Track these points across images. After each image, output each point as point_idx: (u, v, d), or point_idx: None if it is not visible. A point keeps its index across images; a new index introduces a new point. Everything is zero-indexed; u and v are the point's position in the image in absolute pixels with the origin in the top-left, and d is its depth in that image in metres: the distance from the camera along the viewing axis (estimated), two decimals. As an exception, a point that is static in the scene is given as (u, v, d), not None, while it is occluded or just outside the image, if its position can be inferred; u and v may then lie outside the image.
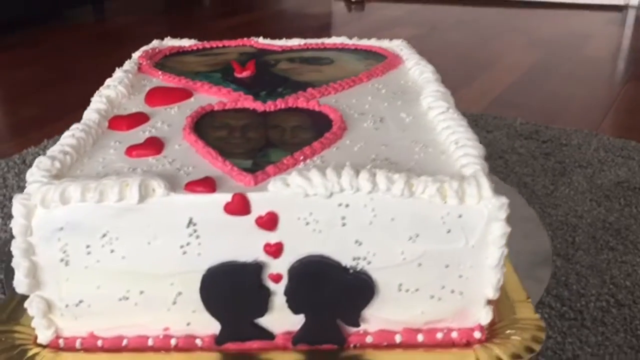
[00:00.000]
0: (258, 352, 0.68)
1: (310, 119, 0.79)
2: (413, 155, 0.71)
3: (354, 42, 1.17)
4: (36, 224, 0.63)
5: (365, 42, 1.17)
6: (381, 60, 1.04)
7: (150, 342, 0.69)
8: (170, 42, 1.17)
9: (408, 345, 0.69)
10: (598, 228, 1.23)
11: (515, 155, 1.50)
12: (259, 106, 0.82)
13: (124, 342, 0.69)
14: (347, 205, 0.63)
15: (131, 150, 0.71)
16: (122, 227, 0.63)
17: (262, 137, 0.75)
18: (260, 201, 0.63)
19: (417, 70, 0.96)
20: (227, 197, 0.62)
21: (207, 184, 0.63)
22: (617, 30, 2.66)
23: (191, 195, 0.63)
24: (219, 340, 0.69)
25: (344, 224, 0.64)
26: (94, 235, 0.64)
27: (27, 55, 2.33)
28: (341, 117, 0.78)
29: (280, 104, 0.82)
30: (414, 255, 0.65)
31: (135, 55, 1.06)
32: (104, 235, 0.64)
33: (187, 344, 0.69)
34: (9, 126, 1.74)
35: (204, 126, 0.77)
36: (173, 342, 0.69)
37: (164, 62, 1.06)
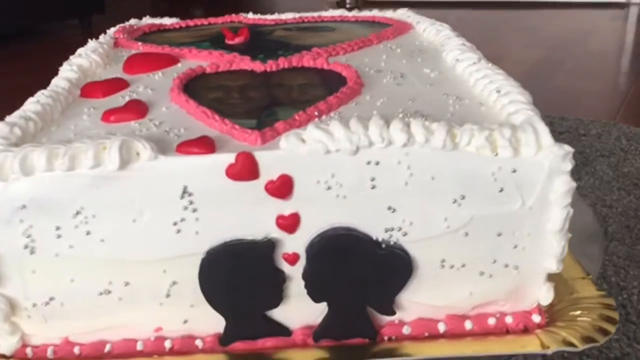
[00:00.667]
0: (272, 351, 0.56)
1: (319, 77, 0.68)
2: (447, 108, 0.59)
3: (354, 14, 1.06)
4: (-8, 202, 0.51)
5: (366, 14, 1.05)
6: (387, 27, 0.93)
7: (139, 347, 0.56)
8: (149, 21, 1.05)
9: (454, 335, 0.57)
10: (630, 217, 1.13)
11: None
12: (258, 67, 0.70)
13: (107, 347, 0.56)
14: (377, 163, 0.52)
15: (109, 114, 0.59)
16: (100, 201, 0.51)
17: (265, 96, 0.63)
18: (271, 162, 0.51)
19: (432, 30, 0.84)
20: (229, 158, 0.50)
21: (205, 144, 0.51)
22: (620, 26, 2.61)
23: (185, 157, 0.51)
24: (224, 339, 0.57)
25: (373, 187, 0.52)
26: (65, 214, 0.51)
27: (14, 67, 2.20)
28: (356, 72, 0.67)
29: (283, 63, 0.70)
30: (460, 222, 0.53)
31: (111, 31, 0.94)
32: (78, 213, 0.51)
33: (185, 346, 0.56)
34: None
35: (196, 89, 0.65)
36: (167, 344, 0.56)
37: (144, 37, 0.94)
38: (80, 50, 0.77)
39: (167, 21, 1.05)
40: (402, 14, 1.02)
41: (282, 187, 0.51)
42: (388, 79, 0.67)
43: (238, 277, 0.54)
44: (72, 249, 0.52)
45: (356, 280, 0.54)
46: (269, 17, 1.06)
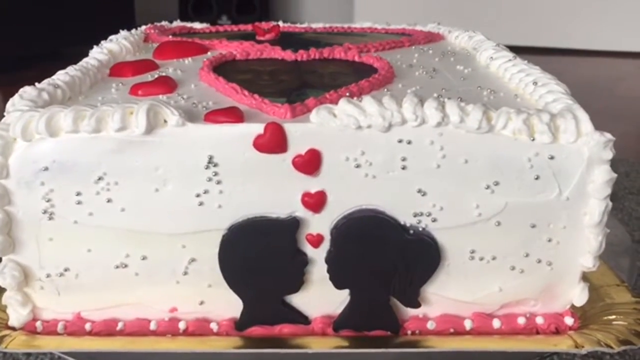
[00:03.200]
0: (289, 337, 0.53)
1: (351, 67, 0.67)
2: (482, 99, 0.57)
3: (384, 26, 1.06)
4: (14, 163, 0.50)
5: (396, 27, 1.05)
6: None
7: (152, 326, 0.54)
8: (180, 23, 1.05)
9: (480, 333, 0.54)
10: None
11: None
12: (289, 55, 0.69)
13: (119, 325, 0.54)
14: (409, 142, 0.50)
15: (137, 88, 0.58)
16: (123, 167, 0.50)
17: (296, 79, 0.62)
18: (300, 135, 0.49)
19: (465, 37, 0.83)
20: (258, 128, 0.49)
21: (233, 114, 0.50)
22: None
23: (212, 126, 0.49)
24: (240, 324, 0.54)
25: (404, 167, 0.50)
26: (87, 179, 0.50)
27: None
28: (388, 64, 0.66)
29: (314, 53, 0.69)
30: (492, 210, 0.51)
31: (142, 27, 0.94)
32: (100, 179, 0.50)
33: (200, 329, 0.54)
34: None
35: (226, 71, 0.64)
36: (182, 325, 0.54)
37: (174, 36, 0.94)
38: (111, 37, 0.77)
39: (198, 25, 1.06)
40: (433, 27, 1.01)
41: (310, 162, 0.50)
42: (420, 72, 0.66)
43: (259, 256, 0.52)
44: (92, 216, 0.51)
45: (381, 267, 0.52)
46: (299, 26, 1.06)
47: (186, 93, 0.57)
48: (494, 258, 0.53)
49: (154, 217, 0.51)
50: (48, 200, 0.50)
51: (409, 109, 0.49)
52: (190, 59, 0.71)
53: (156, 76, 0.62)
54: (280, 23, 1.07)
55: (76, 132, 0.49)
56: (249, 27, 1.06)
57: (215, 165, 0.50)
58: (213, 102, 0.54)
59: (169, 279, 0.53)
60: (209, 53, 0.74)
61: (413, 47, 0.80)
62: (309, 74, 0.63)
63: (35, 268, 0.53)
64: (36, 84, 0.56)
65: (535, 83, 0.58)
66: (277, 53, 0.69)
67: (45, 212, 0.51)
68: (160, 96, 0.57)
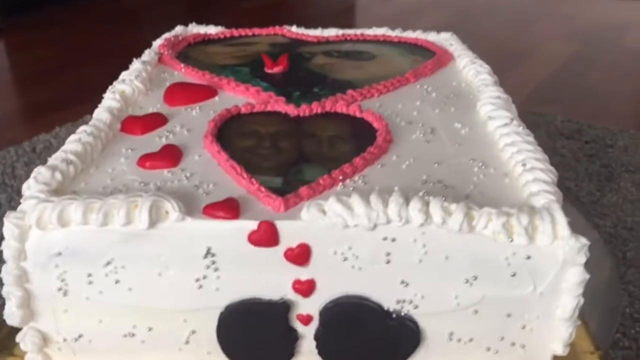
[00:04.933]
0: (282, 400, 0.59)
1: (350, 127, 0.69)
2: (471, 177, 0.60)
3: (397, 34, 1.06)
4: (31, 248, 0.54)
5: (409, 35, 1.05)
6: (428, 57, 0.93)
7: (159, 383, 0.60)
8: (194, 29, 1.07)
9: (458, 401, 0.59)
10: None
11: (557, 156, 1.39)
12: (291, 110, 0.71)
13: (130, 381, 0.60)
14: (393, 240, 0.53)
15: (144, 160, 0.62)
16: (129, 254, 0.54)
17: (295, 148, 0.65)
18: (291, 231, 0.53)
19: (471, 70, 0.84)
20: (252, 224, 0.53)
21: (229, 208, 0.54)
22: None
23: (210, 221, 0.53)
24: (237, 385, 0.60)
25: (388, 262, 0.54)
26: (97, 263, 0.55)
27: (40, 36, 2.23)
28: (386, 126, 0.68)
29: (316, 108, 0.72)
30: (470, 300, 0.55)
31: (156, 43, 0.96)
32: (108, 263, 0.55)
33: (201, 387, 0.60)
34: (20, 110, 1.64)
35: (229, 133, 0.67)
36: (185, 384, 0.60)
37: (187, 52, 0.96)
38: (124, 75, 0.80)
39: (212, 30, 1.07)
40: (445, 40, 1.01)
41: (301, 255, 0.54)
42: (417, 135, 0.68)
43: (253, 332, 0.57)
44: (102, 294, 0.56)
45: (366, 347, 0.57)
46: (311, 32, 1.06)
47: (189, 167, 0.61)
48: (471, 340, 0.57)
49: (158, 296, 0.56)
50: (62, 280, 0.55)
51: (394, 210, 0.52)
52: (198, 107, 0.73)
53: (163, 140, 0.66)
54: (293, 28, 1.08)
55: (86, 224, 0.53)
56: (263, 32, 1.08)
57: (213, 255, 0.54)
58: (213, 184, 0.58)
59: (172, 347, 0.58)
60: (216, 98, 0.76)
61: (418, 86, 0.81)
62: (309, 139, 0.66)
63: (53, 334, 0.58)
64: (49, 159, 0.60)
65: (524, 165, 0.60)
66: (281, 106, 0.72)
67: (59, 289, 0.56)
68: (165, 171, 0.60)
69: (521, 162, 0.61)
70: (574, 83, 1.85)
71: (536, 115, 1.59)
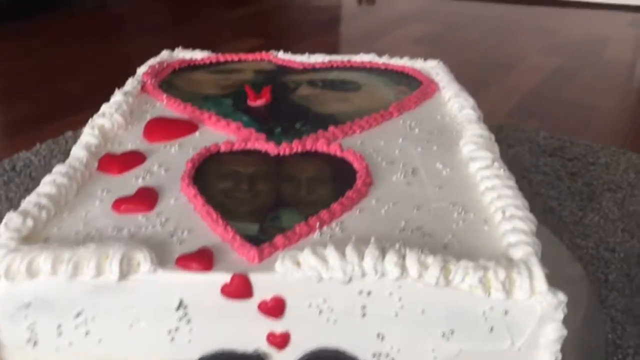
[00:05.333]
0: None
1: (330, 168, 0.68)
2: (450, 225, 0.59)
3: (384, 60, 1.05)
4: (-1, 298, 0.53)
5: (396, 62, 1.04)
6: (414, 87, 0.92)
7: None
8: (181, 54, 1.06)
9: None
10: (632, 264, 1.10)
11: (539, 174, 1.39)
12: (272, 149, 0.71)
13: None
14: (369, 293, 0.52)
15: (119, 203, 0.61)
16: (100, 305, 0.53)
17: (273, 191, 0.64)
18: (265, 283, 0.52)
19: (456, 104, 0.84)
20: (225, 277, 0.52)
21: (203, 260, 0.53)
22: (637, 33, 2.52)
23: (183, 272, 0.52)
24: None
25: (364, 315, 0.53)
26: (67, 314, 0.54)
27: (23, 45, 2.19)
28: (367, 167, 0.67)
29: (296, 146, 0.71)
30: (447, 354, 0.54)
31: (140, 71, 0.95)
32: (79, 315, 0.54)
33: None
34: (0, 125, 1.63)
35: (207, 173, 0.66)
36: None
37: (172, 79, 0.95)
38: (104, 108, 0.79)
39: (198, 55, 1.06)
40: (433, 68, 1.01)
41: (275, 308, 0.53)
42: (398, 176, 0.67)
43: (228, 382, 0.56)
44: (72, 345, 0.55)
45: (341, 398, 0.56)
46: (297, 58, 1.06)
47: (165, 212, 0.60)
48: (448, 391, 0.56)
49: (129, 348, 0.55)
50: (31, 331, 0.54)
51: (369, 264, 0.52)
52: (177, 144, 0.72)
53: (140, 181, 0.65)
54: (280, 54, 1.08)
55: (55, 275, 0.52)
56: (249, 58, 1.07)
57: (185, 307, 0.53)
58: (188, 232, 0.57)
59: (146, 396, 0.57)
60: (197, 133, 0.75)
61: (401, 121, 0.80)
62: (287, 182, 0.65)
63: (23, 382, 0.57)
64: (22, 202, 0.59)
65: (503, 212, 0.59)
66: (261, 145, 0.71)
67: (29, 340, 0.55)
68: (140, 216, 0.59)
69: (501, 208, 0.60)
70: (556, 97, 1.86)
71: (519, 131, 1.60)
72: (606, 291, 1.05)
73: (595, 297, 0.92)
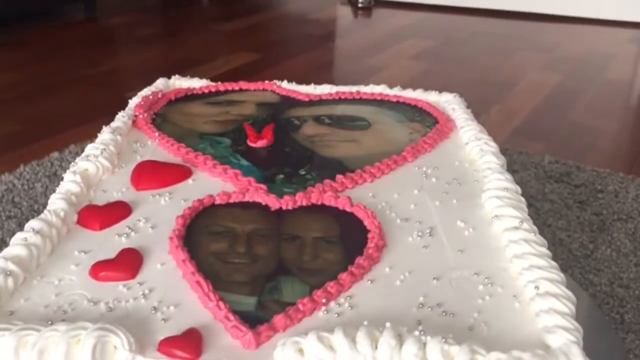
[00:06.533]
0: None
1: (338, 226, 0.61)
2: (475, 300, 0.52)
3: (396, 92, 0.98)
4: (-47, 384, 0.46)
5: (408, 94, 0.97)
6: (429, 124, 0.85)
7: None
8: (177, 82, 0.99)
9: None
10: None
11: (547, 202, 1.33)
12: (273, 202, 0.63)
13: None
14: (383, 388, 0.45)
15: (98, 268, 0.53)
16: (69, 395, 0.46)
17: (273, 255, 0.56)
18: (262, 375, 0.45)
19: (475, 148, 0.76)
20: (215, 367, 0.44)
21: (189, 346, 0.45)
22: (638, 51, 2.47)
23: (166, 360, 0.45)
24: None
25: (377, 413, 0.45)
26: (31, 404, 0.46)
27: (7, 58, 2.11)
28: (379, 227, 0.60)
29: (300, 199, 0.63)
30: None
31: (133, 102, 0.88)
32: (45, 404, 0.46)
33: None
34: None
35: (200, 231, 0.59)
36: None
37: (166, 112, 0.88)
38: (89, 149, 0.71)
39: (196, 83, 0.99)
40: (447, 102, 0.93)
41: (273, 402, 0.45)
42: (414, 237, 0.59)
43: None
44: None
45: None
46: (303, 88, 0.99)
47: (149, 281, 0.53)
48: None
49: None
50: (-9, 422, 0.47)
51: (384, 355, 0.44)
52: (168, 194, 0.65)
53: (123, 240, 0.58)
54: (284, 84, 1.01)
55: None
56: (250, 87, 1.00)
57: (169, 399, 0.45)
58: (175, 306, 0.50)
59: None
60: (190, 180, 0.68)
61: (416, 168, 0.73)
62: (289, 243, 0.58)
63: None
64: (-13, 268, 0.52)
65: (537, 287, 0.52)
66: (261, 197, 0.64)
67: None
68: (120, 285, 0.52)
69: (533, 282, 0.52)
70: (559, 117, 1.81)
71: (523, 154, 1.56)
72: (622, 333, 0.98)
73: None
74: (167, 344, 0.45)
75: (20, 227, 1.06)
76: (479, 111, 1.33)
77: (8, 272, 0.51)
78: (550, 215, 1.29)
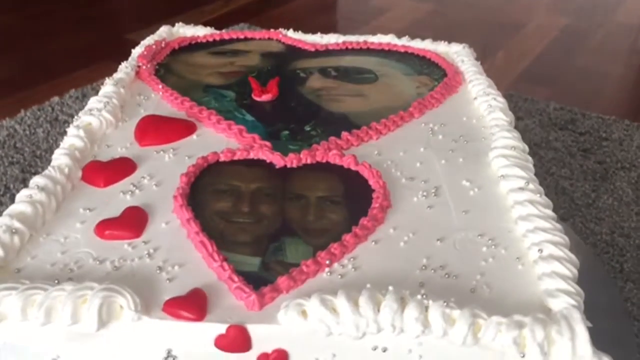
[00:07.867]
0: None
1: (343, 185, 0.60)
2: (479, 262, 0.52)
3: (404, 43, 0.96)
4: (-37, 341, 0.47)
5: (417, 44, 0.95)
6: (437, 77, 0.84)
7: None
8: (181, 30, 0.97)
9: None
10: None
11: (551, 151, 1.33)
12: (277, 160, 0.63)
13: None
14: (384, 350, 0.46)
15: (103, 227, 0.54)
16: (77, 354, 0.47)
17: (277, 214, 0.56)
18: (266, 336, 0.45)
19: (484, 104, 0.75)
20: (219, 328, 0.45)
21: (194, 307, 0.46)
22: None
23: (171, 321, 0.45)
24: None
25: (378, 373, 0.46)
26: (40, 360, 0.47)
27: (0, 1, 2.05)
28: (384, 187, 0.59)
29: (305, 157, 0.63)
30: (472, 418, 0.47)
31: (136, 52, 0.87)
32: (53, 361, 0.47)
33: None
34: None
35: (204, 189, 0.59)
36: None
37: (170, 62, 0.86)
38: (92, 102, 0.71)
39: (201, 31, 0.97)
40: (457, 53, 0.91)
41: (276, 362, 0.46)
42: (419, 197, 0.59)
43: None
44: (46, 394, 0.48)
45: None
46: (309, 38, 0.96)
47: (154, 240, 0.53)
48: None
49: (112, 397, 0.48)
50: (1, 376, 0.48)
51: (386, 318, 0.45)
52: (172, 150, 0.65)
53: (128, 197, 0.58)
54: (290, 33, 0.99)
55: (25, 320, 0.45)
56: (256, 36, 0.98)
57: (174, 357, 0.46)
58: (179, 266, 0.50)
59: None
60: (194, 136, 0.68)
61: (422, 124, 0.72)
62: (294, 203, 0.58)
63: None
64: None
65: (540, 251, 0.52)
66: (266, 155, 0.63)
67: (-1, 386, 0.48)
68: (125, 244, 0.52)
69: (537, 245, 0.52)
70: (566, 62, 1.78)
71: (528, 100, 1.54)
72: (621, 282, 1.00)
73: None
74: (172, 304, 0.46)
75: (23, 173, 1.06)
76: (484, 54, 1.30)
77: (14, 230, 0.52)
78: (554, 164, 1.29)
